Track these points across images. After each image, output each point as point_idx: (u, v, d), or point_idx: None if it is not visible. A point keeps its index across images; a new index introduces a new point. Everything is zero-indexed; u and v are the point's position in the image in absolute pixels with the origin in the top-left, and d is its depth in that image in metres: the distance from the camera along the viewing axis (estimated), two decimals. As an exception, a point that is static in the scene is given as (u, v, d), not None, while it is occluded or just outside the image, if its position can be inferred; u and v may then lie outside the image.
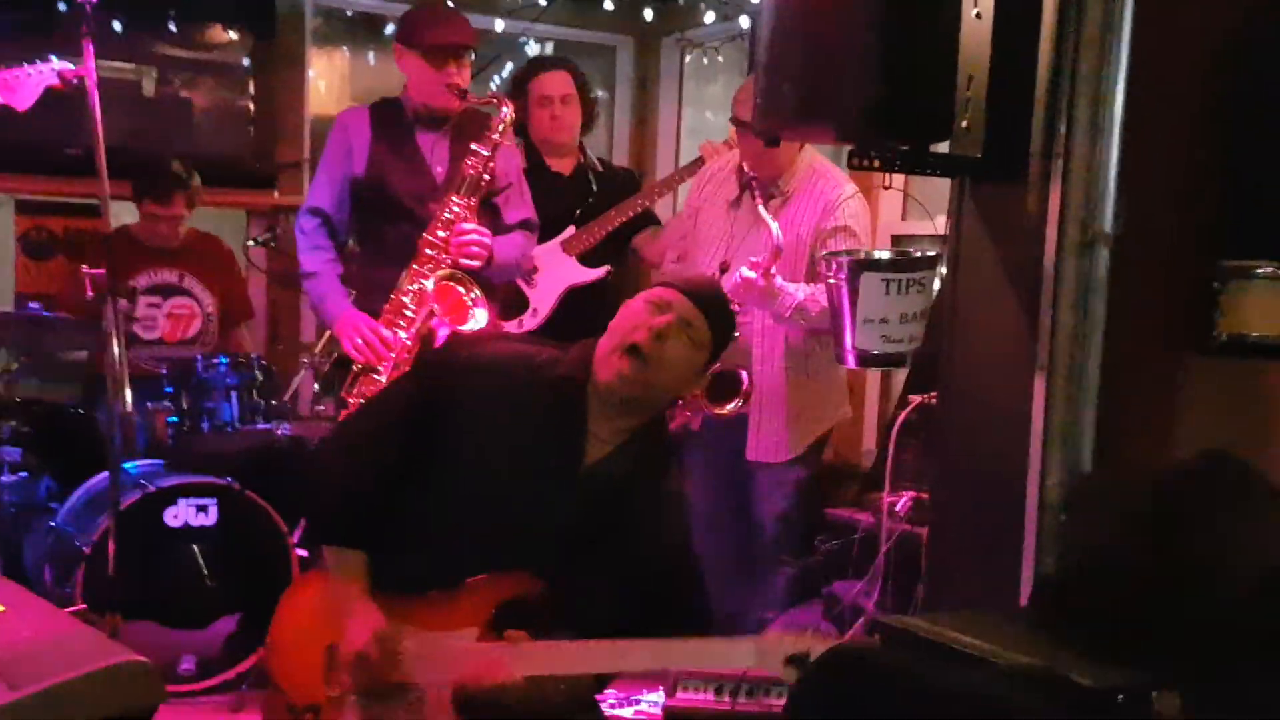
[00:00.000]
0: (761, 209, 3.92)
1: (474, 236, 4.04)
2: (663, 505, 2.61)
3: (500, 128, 4.10)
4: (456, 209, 4.04)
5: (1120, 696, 2.15)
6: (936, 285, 3.35)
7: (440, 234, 4.03)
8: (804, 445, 4.17)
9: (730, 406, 4.09)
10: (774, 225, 3.82)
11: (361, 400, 3.94)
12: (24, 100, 4.01)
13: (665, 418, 2.63)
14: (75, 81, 4.26)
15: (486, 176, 4.08)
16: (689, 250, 4.39)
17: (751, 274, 3.80)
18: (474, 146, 4.08)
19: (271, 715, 2.56)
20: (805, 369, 4.13)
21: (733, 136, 4.47)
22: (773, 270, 3.83)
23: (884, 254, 3.46)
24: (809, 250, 4.05)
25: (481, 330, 3.97)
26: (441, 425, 2.54)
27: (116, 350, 3.42)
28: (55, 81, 4.14)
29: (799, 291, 3.87)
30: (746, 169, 4.10)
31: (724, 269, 4.03)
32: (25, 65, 4.08)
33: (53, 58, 4.13)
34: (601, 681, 2.64)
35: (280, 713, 2.53)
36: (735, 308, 4.05)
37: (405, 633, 2.49)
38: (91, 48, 3.46)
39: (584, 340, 2.67)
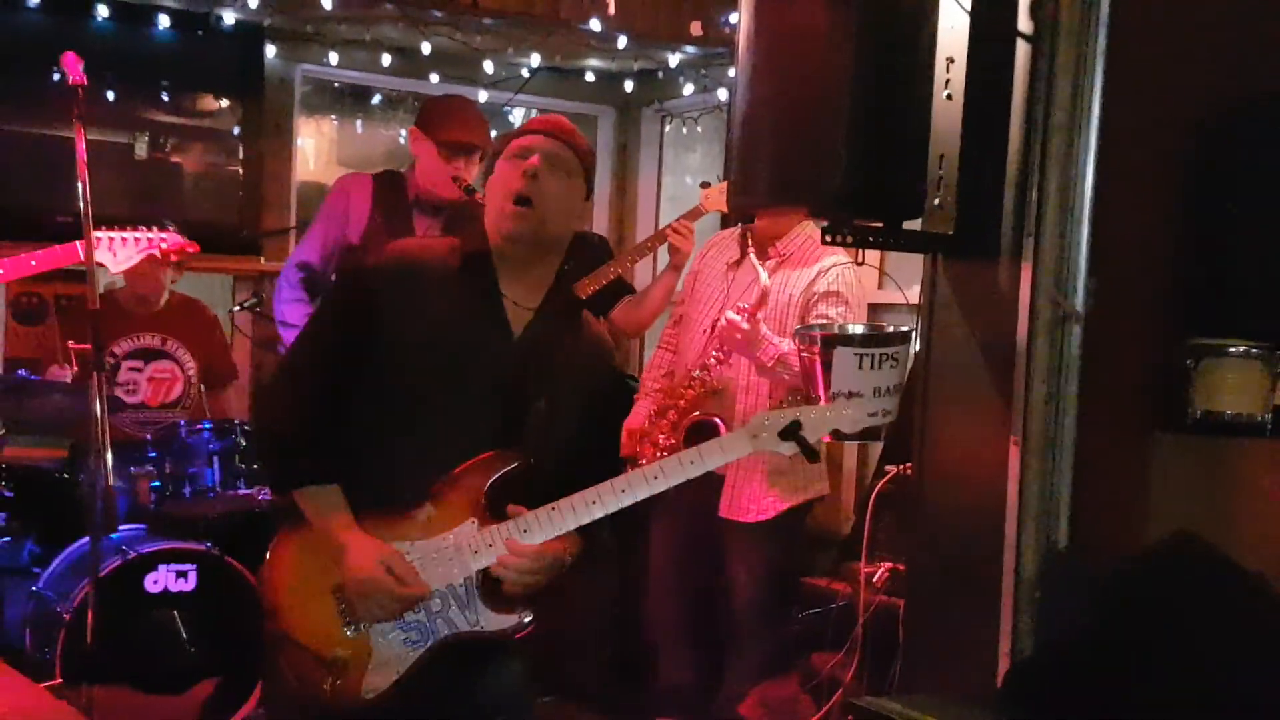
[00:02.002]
0: (752, 256, 4.04)
1: None
2: (591, 347, 2.74)
3: None
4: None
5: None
6: (910, 359, 3.37)
7: None
8: (778, 510, 4.14)
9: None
10: (763, 271, 3.89)
11: None
12: (121, 262, 4.05)
13: (567, 274, 2.75)
14: (175, 258, 4.33)
15: None
16: (686, 311, 4.44)
17: (736, 316, 3.84)
18: None
19: (300, 673, 2.45)
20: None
21: (702, 205, 4.56)
22: (759, 315, 3.87)
23: (857, 328, 3.46)
24: (799, 311, 4.09)
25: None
26: (373, 332, 2.52)
27: (100, 425, 3.42)
28: (158, 251, 4.19)
29: (783, 343, 3.90)
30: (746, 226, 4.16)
31: (715, 326, 4.08)
32: (130, 230, 4.12)
33: (169, 228, 4.23)
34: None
35: (309, 668, 2.45)
36: (718, 356, 4.11)
37: (406, 549, 2.46)
38: (82, 131, 3.48)
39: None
